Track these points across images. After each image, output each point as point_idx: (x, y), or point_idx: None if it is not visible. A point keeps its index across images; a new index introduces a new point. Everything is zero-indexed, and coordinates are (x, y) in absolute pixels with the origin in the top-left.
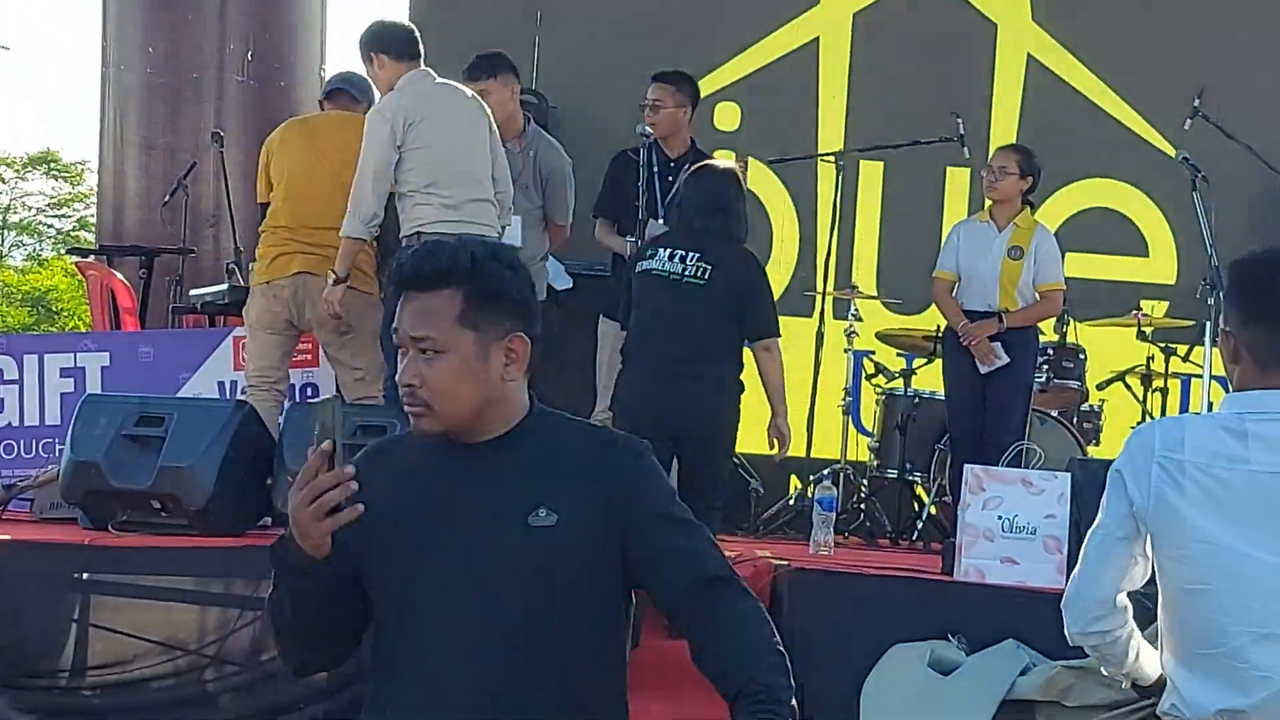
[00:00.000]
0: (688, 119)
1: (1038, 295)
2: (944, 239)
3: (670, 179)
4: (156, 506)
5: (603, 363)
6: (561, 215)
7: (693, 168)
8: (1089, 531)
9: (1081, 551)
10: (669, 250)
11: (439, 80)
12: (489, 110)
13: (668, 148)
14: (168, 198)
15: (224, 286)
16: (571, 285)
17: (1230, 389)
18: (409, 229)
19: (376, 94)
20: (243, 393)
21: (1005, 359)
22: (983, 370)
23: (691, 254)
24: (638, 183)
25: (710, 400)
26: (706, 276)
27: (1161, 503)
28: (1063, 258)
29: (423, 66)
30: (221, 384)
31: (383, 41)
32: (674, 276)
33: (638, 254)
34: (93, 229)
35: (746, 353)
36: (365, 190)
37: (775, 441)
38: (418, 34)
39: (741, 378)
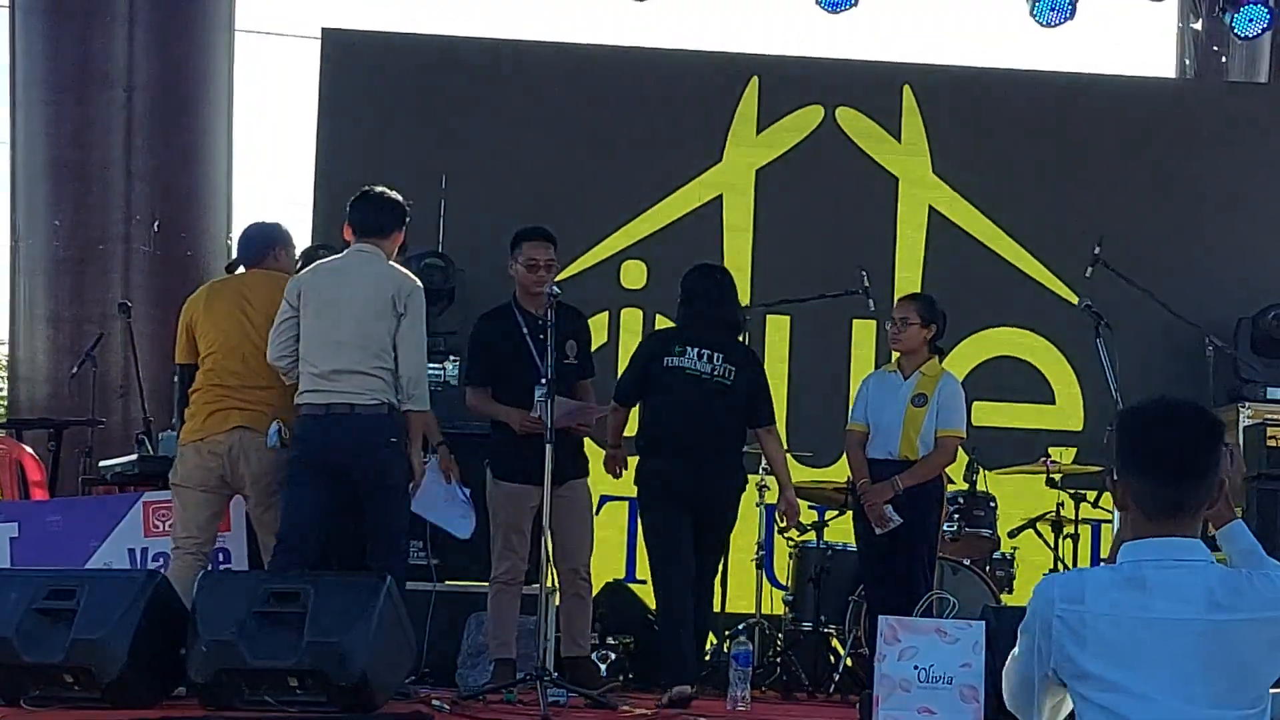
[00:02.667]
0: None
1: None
2: (854, 391)
3: (541, 336)
4: (69, 680)
5: (498, 526)
6: None
7: (692, 268)
8: (1009, 676)
9: (1008, 695)
10: (696, 350)
11: (361, 253)
12: (404, 287)
13: (533, 305)
14: (75, 369)
15: (134, 457)
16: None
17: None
18: (296, 399)
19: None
20: (155, 559)
21: (898, 520)
22: (877, 532)
23: (717, 354)
24: (524, 341)
25: (732, 484)
26: (731, 378)
27: (1065, 658)
28: (969, 406)
29: (367, 242)
30: (132, 551)
31: (348, 213)
32: (704, 376)
33: (659, 348)
34: (1, 403)
35: None
36: (270, 338)
37: (784, 515)
38: (385, 208)
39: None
